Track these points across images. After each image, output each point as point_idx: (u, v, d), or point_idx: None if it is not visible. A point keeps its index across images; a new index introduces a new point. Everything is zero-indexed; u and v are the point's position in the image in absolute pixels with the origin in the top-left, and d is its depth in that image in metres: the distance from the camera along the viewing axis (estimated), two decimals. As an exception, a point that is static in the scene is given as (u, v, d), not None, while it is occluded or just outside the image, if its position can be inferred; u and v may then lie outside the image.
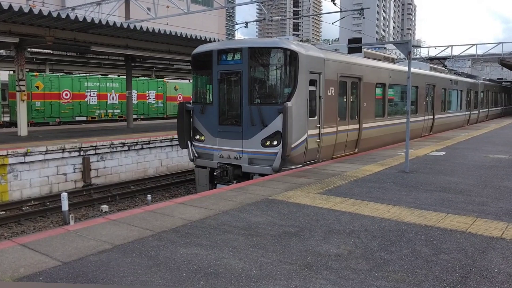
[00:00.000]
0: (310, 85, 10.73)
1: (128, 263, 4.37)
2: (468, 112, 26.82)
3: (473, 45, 36.91)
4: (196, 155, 11.76)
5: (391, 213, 6.39)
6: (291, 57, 10.37)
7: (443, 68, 25.04)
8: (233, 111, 10.93)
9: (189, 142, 11.83)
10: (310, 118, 10.77)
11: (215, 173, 11.01)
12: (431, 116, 19.92)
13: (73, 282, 3.92)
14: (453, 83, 23.24)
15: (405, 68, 16.73)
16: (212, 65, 11.10)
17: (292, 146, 10.02)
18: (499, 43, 36.85)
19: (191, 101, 12.16)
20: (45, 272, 4.13)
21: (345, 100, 12.66)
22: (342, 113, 12.45)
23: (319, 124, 11.14)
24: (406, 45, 10.43)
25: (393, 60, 17.30)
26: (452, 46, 38.64)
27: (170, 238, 5.15)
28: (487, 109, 32.43)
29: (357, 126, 13.22)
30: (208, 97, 11.60)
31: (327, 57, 11.53)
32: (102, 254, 4.60)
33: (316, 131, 11.03)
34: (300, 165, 10.44)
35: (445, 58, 29.00)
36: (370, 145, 14.05)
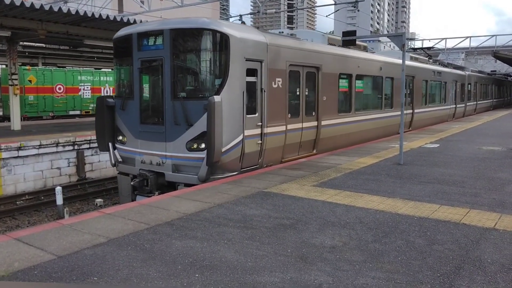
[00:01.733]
0: (248, 75, 8.88)
1: (123, 257, 4.37)
2: (454, 106, 25.28)
3: (467, 37, 37.01)
4: (120, 160, 9.80)
5: (386, 205, 6.42)
6: (221, 41, 8.45)
7: (426, 58, 23.83)
8: (156, 107, 9.01)
9: (110, 144, 9.81)
10: (249, 116, 8.93)
11: (132, 182, 9.16)
12: (410, 111, 18.26)
13: (68, 276, 3.91)
14: (436, 74, 21.59)
15: (377, 57, 15.53)
16: (132, 52, 9.20)
17: (223, 150, 8.25)
18: (493, 36, 37.00)
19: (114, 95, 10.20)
20: (40, 266, 4.12)
21: (298, 93, 10.79)
22: (293, 109, 10.61)
23: (262, 122, 9.31)
24: (400, 38, 10.44)
25: (365, 48, 15.58)
26: (446, 38, 38.73)
27: (165, 231, 5.15)
28: (474, 102, 30.88)
29: (315, 123, 11.39)
30: (128, 90, 9.60)
31: (271, 42, 9.59)
32: (97, 248, 4.60)
33: (257, 131, 9.19)
34: (235, 173, 8.71)
35: (429, 48, 27.97)
36: (332, 145, 12.25)
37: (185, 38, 8.72)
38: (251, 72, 9.03)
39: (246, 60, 8.79)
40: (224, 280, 3.88)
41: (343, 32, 12.74)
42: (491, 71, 44.47)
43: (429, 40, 39.70)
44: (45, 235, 4.98)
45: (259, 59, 9.18)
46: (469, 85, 28.63)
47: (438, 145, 13.36)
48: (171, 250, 4.57)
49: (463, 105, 27.31)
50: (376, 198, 6.82)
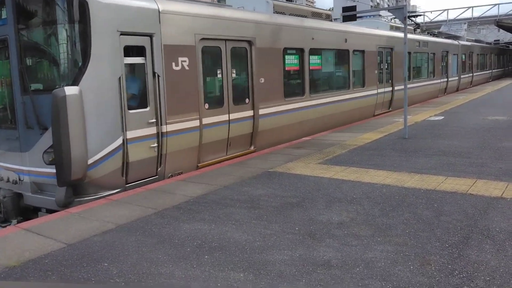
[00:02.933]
0: (128, 55, 6.65)
1: (132, 242, 4.39)
2: (445, 80, 22.67)
3: (469, 7, 36.48)
4: None
5: (392, 179, 6.40)
6: (77, 8, 6.11)
7: (411, 27, 21.10)
8: (5, 104, 6.99)
9: None
10: (132, 111, 6.69)
11: None
12: (390, 88, 15.79)
13: (79, 263, 3.95)
14: (421, 45, 19.04)
15: (341, 27, 12.87)
16: None
17: (90, 161, 6.10)
18: (495, 5, 36.38)
19: None
20: (50, 254, 4.15)
21: (219, 76, 8.41)
22: (213, 97, 8.39)
23: (157, 118, 7.04)
24: (402, 11, 10.27)
25: (328, 17, 12.93)
26: (447, 10, 38.18)
27: (173, 215, 5.17)
28: (470, 74, 28.18)
29: (249, 113, 8.95)
30: None
31: (167, 9, 7.21)
32: (106, 234, 4.63)
33: (149, 131, 6.91)
34: (118, 190, 6.45)
35: (416, 16, 26.15)
36: (278, 138, 9.88)
37: (31, 8, 6.55)
38: (134, 50, 6.79)
39: (122, 34, 6.49)
40: (233, 260, 3.90)
41: (343, 8, 12.56)
42: (494, 40, 43.74)
43: (431, 12, 39.14)
44: (54, 225, 5.01)
45: (146, 33, 6.87)
46: (463, 56, 26.12)
47: (443, 117, 13.27)
48: (179, 233, 4.59)
49: (457, 77, 24.88)
50: (382, 172, 6.80)
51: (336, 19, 17.37)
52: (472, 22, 43.79)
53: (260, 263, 3.82)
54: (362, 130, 11.19)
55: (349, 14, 11.63)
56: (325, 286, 3.39)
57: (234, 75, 8.70)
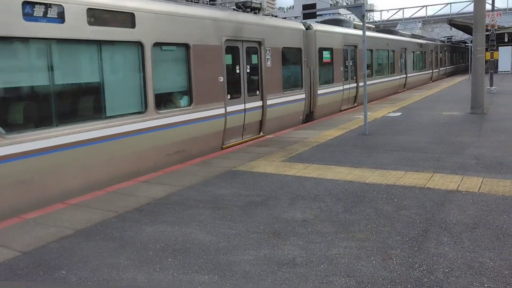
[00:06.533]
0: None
1: (91, 247, 4.24)
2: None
3: (423, 6, 37.78)
4: None
5: (354, 175, 6.52)
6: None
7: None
8: None
9: None
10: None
11: None
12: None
13: (35, 272, 3.76)
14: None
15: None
16: None
17: None
18: (448, 4, 37.84)
19: None
20: (3, 264, 3.94)
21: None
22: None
23: None
24: (360, 9, 10.46)
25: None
26: (403, 8, 39.37)
27: (135, 218, 5.04)
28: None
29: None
30: None
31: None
32: (63, 240, 4.44)
33: None
34: None
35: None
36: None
37: None
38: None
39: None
40: (197, 262, 3.84)
41: (303, 6, 12.66)
42: (445, 37, 45.39)
43: (387, 11, 40.27)
44: (7, 232, 4.76)
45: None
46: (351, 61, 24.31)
47: (401, 113, 13.67)
48: (141, 236, 4.47)
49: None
50: (344, 169, 6.91)
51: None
52: (426, 21, 45.43)
53: (225, 264, 3.78)
54: (324, 128, 11.35)
55: (309, 12, 11.73)
56: (290, 284, 3.40)
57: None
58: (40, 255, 4.11)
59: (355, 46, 16.28)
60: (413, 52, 25.03)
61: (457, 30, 49.23)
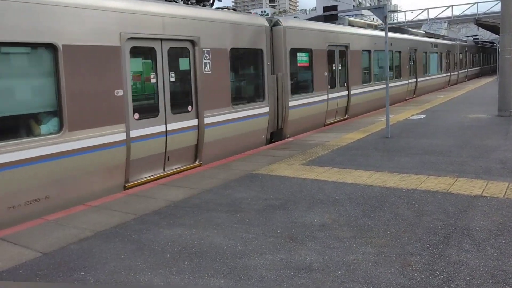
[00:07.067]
0: None
1: (110, 249, 4.30)
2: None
3: (449, 6, 36.97)
4: None
5: (374, 179, 6.41)
6: None
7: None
8: None
9: None
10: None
11: None
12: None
13: (55, 272, 3.84)
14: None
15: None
16: None
17: None
18: (475, 3, 36.94)
19: None
20: (25, 264, 4.03)
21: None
22: None
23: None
24: (382, 10, 10.33)
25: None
26: (428, 9, 38.65)
27: (153, 220, 5.08)
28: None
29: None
30: None
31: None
32: (83, 242, 4.52)
33: None
34: None
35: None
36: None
37: None
38: None
39: None
40: (213, 266, 3.83)
41: (324, 8, 12.58)
42: (474, 39, 44.32)
43: (411, 11, 39.65)
44: (30, 233, 4.87)
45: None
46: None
47: (424, 116, 13.40)
48: (159, 239, 4.51)
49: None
50: (365, 173, 6.80)
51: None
52: (452, 21, 44.48)
53: (241, 268, 3.77)
54: (345, 131, 11.22)
55: (330, 14, 11.65)
56: (306, 290, 3.36)
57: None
58: (60, 256, 4.19)
59: (346, 46, 13.47)
60: (426, 53, 22.18)
61: (485, 30, 48.04)
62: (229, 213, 5.20)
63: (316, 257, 3.90)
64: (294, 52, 10.89)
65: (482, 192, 5.52)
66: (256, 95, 9.94)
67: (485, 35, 50.13)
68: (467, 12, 39.58)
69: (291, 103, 10.71)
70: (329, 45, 12.44)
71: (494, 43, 37.52)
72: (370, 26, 17.32)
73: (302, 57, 11.30)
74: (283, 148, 9.30)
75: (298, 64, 11.23)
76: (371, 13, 20.48)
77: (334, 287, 3.38)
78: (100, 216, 5.31)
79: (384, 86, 15.13)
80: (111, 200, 6.01)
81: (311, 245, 4.17)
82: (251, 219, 4.97)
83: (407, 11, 40.34)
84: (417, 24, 42.23)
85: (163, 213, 5.33)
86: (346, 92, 13.55)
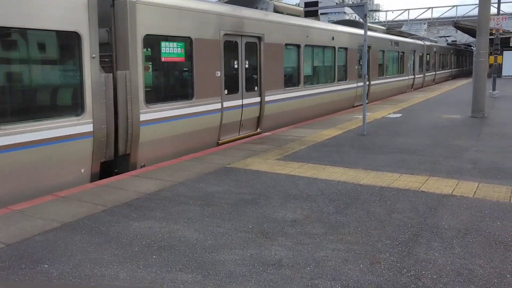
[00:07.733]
0: None
1: (76, 241, 4.18)
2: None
3: (429, 8, 37.57)
4: None
5: (348, 175, 6.44)
6: None
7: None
8: None
9: None
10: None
11: None
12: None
13: (17, 264, 3.70)
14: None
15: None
16: None
17: None
18: (454, 6, 37.64)
19: None
20: (-15, 255, 3.88)
21: None
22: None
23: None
24: (362, 8, 10.36)
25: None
26: (408, 10, 39.18)
27: (123, 213, 4.97)
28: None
29: None
30: None
31: None
32: (49, 233, 4.38)
33: None
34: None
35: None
36: None
37: None
38: None
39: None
40: (182, 260, 3.77)
41: (305, 3, 12.55)
42: (452, 41, 45.16)
43: (392, 11, 40.07)
44: (-7, 223, 4.70)
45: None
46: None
47: (401, 114, 13.57)
48: (128, 232, 4.41)
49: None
50: (339, 169, 6.83)
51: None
52: (432, 23, 45.19)
53: (209, 263, 3.71)
54: (322, 127, 11.26)
55: (311, 10, 11.63)
56: (274, 286, 3.33)
57: None
58: (23, 247, 4.05)
59: (259, 38, 10.43)
60: (383, 51, 19.23)
61: (462, 33, 48.96)
62: (201, 207, 5.14)
63: (286, 253, 3.88)
64: (154, 40, 7.72)
65: (452, 191, 5.60)
66: (71, 107, 6.41)
67: (463, 38, 51.09)
68: (447, 15, 40.32)
69: (145, 116, 7.46)
70: (226, 34, 9.27)
71: (471, 46, 38.28)
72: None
73: (171, 49, 8.09)
74: (260, 142, 9.26)
75: (163, 59, 7.96)
76: (353, 11, 20.35)
77: (302, 283, 3.37)
78: (69, 207, 5.17)
79: (320, 90, 13.85)
80: (80, 190, 5.87)
81: (282, 241, 4.15)
82: (223, 213, 4.91)
83: (388, 11, 40.78)
84: (398, 24, 42.76)
85: (134, 205, 5.22)
86: (257, 99, 10.52)
